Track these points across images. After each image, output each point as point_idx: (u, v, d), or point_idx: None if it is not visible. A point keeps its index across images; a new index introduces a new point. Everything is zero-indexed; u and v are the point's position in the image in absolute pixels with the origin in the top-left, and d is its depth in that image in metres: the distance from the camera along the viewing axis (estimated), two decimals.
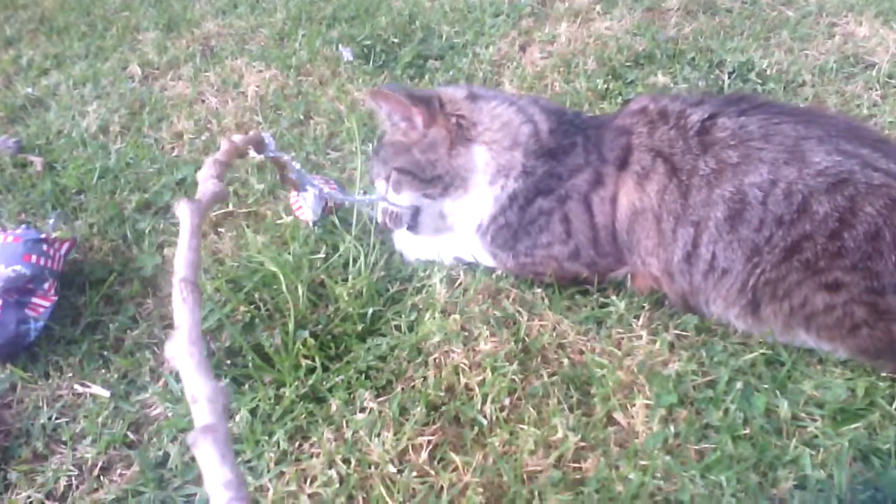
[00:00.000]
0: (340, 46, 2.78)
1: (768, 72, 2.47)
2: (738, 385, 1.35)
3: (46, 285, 1.58)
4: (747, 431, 1.28)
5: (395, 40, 2.81)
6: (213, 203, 1.11)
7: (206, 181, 1.11)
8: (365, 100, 1.66)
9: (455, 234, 1.71)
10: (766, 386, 1.36)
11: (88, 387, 1.47)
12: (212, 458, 0.75)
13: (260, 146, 1.33)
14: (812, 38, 2.66)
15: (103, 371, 1.51)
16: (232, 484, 0.74)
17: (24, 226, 1.80)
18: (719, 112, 1.49)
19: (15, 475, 1.30)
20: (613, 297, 1.57)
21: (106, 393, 1.45)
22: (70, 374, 1.50)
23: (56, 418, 1.42)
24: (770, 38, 2.71)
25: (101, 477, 1.31)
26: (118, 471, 1.32)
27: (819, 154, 1.37)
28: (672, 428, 1.29)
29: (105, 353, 1.54)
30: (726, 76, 2.45)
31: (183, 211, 1.03)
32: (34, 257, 1.60)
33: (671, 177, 1.46)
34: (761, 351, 1.42)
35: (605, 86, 2.42)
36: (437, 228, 1.71)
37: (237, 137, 1.23)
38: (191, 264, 0.95)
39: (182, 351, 0.84)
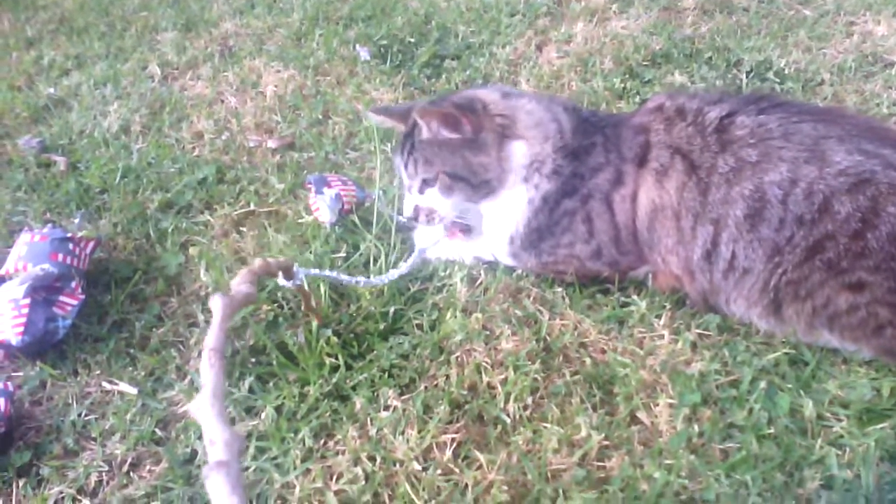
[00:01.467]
0: (357, 46, 2.80)
1: (786, 71, 2.46)
2: (762, 385, 1.35)
3: (73, 284, 1.60)
4: (772, 431, 1.28)
5: (412, 40, 2.83)
6: (243, 303, 1.26)
7: (240, 285, 1.26)
8: (368, 116, 1.65)
9: (484, 236, 1.70)
10: (790, 386, 1.37)
11: (116, 384, 1.49)
12: (222, 491, 0.79)
13: (288, 273, 1.43)
14: (830, 37, 2.66)
15: (130, 369, 1.53)
16: None
17: (50, 225, 1.82)
18: (738, 110, 1.49)
19: (47, 470, 1.32)
20: (635, 297, 1.58)
21: (133, 390, 1.47)
22: (98, 372, 1.52)
23: (85, 415, 1.43)
24: (787, 37, 2.71)
25: (131, 473, 1.33)
26: (147, 467, 1.34)
27: (839, 153, 1.37)
28: (696, 427, 1.30)
29: (131, 350, 1.56)
30: (744, 75, 2.45)
31: (216, 303, 1.16)
32: (61, 256, 1.62)
33: (690, 174, 1.46)
34: (784, 350, 1.43)
35: (623, 85, 2.43)
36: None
37: (272, 260, 1.40)
38: (219, 340, 1.07)
39: (205, 404, 0.93)
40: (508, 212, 1.61)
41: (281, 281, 1.43)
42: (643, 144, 1.53)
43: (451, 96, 1.68)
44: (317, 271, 1.53)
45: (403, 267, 1.64)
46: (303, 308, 1.55)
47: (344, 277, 1.56)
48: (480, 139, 1.56)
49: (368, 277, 1.61)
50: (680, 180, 1.47)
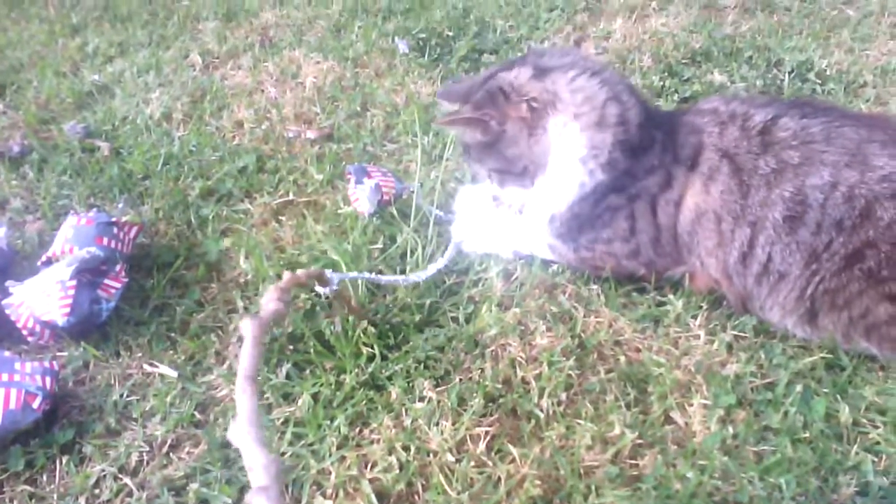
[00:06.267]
0: (396, 39, 2.81)
1: (828, 72, 2.44)
2: (798, 388, 1.35)
3: (117, 267, 1.63)
4: (807, 435, 1.28)
5: (450, 33, 2.84)
6: (273, 320, 1.26)
7: (268, 304, 1.26)
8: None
9: (523, 220, 1.69)
10: (826, 390, 1.36)
11: (157, 367, 1.52)
12: None
13: (322, 280, 1.45)
14: (873, 39, 2.63)
15: (171, 352, 1.55)
16: None
17: (95, 209, 1.86)
18: (782, 114, 1.49)
19: (89, 448, 1.35)
20: (671, 296, 1.58)
21: (174, 373, 1.50)
22: (139, 354, 1.55)
23: (127, 396, 1.46)
24: (830, 38, 2.68)
25: (171, 454, 1.35)
26: (186, 448, 1.37)
27: (882, 158, 1.37)
28: (730, 429, 1.30)
29: (172, 334, 1.59)
30: (785, 76, 2.43)
31: (246, 325, 1.17)
32: (106, 240, 1.66)
33: (733, 176, 1.46)
34: (821, 355, 1.42)
35: (662, 83, 2.42)
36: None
37: (301, 272, 1.38)
38: (251, 365, 1.10)
39: (242, 431, 0.98)
40: (557, 190, 1.58)
41: (318, 289, 1.46)
42: (696, 146, 1.51)
43: (476, 85, 1.61)
44: (354, 274, 1.55)
45: (441, 262, 1.65)
46: (346, 312, 1.54)
47: (381, 278, 1.58)
48: (508, 131, 1.54)
49: (405, 272, 1.63)
50: (725, 184, 1.46)
